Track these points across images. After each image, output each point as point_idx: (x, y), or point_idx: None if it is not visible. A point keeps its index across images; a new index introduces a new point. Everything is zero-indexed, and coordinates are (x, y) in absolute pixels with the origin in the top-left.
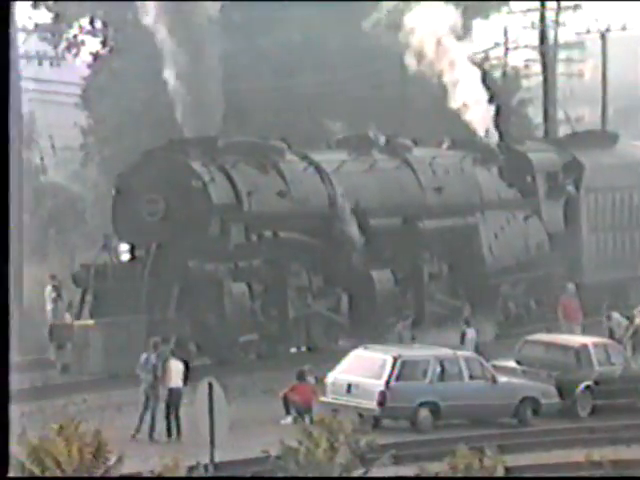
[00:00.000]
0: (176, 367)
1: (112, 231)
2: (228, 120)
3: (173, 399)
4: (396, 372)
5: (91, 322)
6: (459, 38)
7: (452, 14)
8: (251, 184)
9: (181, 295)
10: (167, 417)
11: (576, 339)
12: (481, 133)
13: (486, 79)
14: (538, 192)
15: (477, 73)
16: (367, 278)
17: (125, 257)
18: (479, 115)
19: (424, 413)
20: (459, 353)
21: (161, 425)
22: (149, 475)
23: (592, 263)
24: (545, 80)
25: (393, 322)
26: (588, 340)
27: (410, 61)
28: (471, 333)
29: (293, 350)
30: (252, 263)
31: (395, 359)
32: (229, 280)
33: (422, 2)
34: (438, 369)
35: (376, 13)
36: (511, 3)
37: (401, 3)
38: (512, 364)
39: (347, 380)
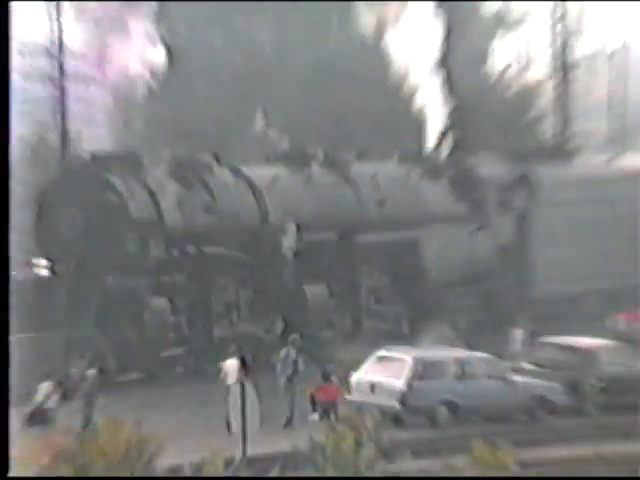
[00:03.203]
0: (232, 365)
1: (34, 246)
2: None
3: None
4: (416, 372)
5: None
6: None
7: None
8: (174, 199)
9: (100, 311)
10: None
11: (586, 341)
12: (432, 144)
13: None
14: (488, 206)
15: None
16: (299, 292)
17: (44, 272)
18: (436, 125)
19: (443, 411)
20: (476, 354)
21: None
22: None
23: (548, 276)
24: (558, 97)
25: (329, 336)
26: (597, 342)
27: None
28: (518, 334)
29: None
30: (175, 278)
31: (415, 360)
32: (149, 295)
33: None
34: (456, 370)
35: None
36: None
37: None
38: (526, 364)
39: (370, 380)
